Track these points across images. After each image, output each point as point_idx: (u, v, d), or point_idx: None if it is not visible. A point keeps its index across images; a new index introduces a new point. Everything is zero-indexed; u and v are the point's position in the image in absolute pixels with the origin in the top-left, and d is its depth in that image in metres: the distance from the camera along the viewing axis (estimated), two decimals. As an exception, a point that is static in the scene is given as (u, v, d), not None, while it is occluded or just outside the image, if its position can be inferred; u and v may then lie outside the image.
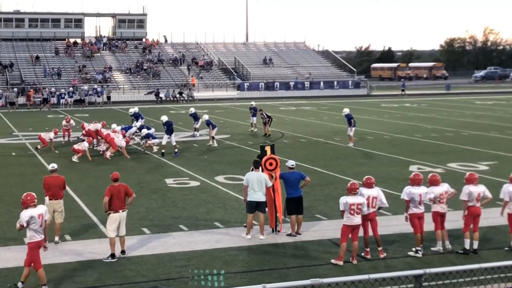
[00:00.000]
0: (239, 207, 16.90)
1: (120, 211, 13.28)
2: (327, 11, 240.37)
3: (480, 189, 13.44)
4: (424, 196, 13.34)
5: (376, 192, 13.29)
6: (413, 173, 14.06)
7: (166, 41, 79.19)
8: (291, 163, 15.18)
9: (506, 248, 13.48)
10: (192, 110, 33.25)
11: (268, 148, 15.59)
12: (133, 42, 78.38)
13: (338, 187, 19.56)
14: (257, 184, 14.49)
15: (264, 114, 33.45)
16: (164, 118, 27.59)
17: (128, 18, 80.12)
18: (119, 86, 65.74)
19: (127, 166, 24.40)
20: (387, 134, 32.97)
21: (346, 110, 30.14)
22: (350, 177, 19.96)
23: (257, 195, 14.52)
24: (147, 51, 75.55)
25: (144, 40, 79.40)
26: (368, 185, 13.29)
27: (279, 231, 14.98)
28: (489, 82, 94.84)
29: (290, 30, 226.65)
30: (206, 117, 30.95)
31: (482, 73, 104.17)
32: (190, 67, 71.52)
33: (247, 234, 14.62)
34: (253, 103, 35.36)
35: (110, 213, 13.25)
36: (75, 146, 26.13)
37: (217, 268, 12.46)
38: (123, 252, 13.39)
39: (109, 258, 13.08)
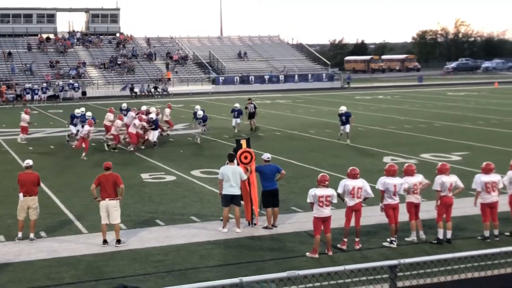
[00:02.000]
0: (215, 201, 16.93)
1: (107, 199, 13.64)
2: (301, 4, 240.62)
3: (452, 179, 13.62)
4: (398, 186, 13.48)
5: (361, 183, 13.38)
6: (388, 164, 14.20)
7: (149, 44, 78.56)
8: (266, 156, 15.25)
9: (479, 238, 13.68)
10: (201, 112, 29.67)
11: (243, 142, 15.64)
12: (106, 37, 77.74)
13: (313, 180, 19.56)
14: (232, 177, 14.54)
15: (253, 104, 33.29)
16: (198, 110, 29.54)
17: (101, 13, 79.46)
18: (93, 82, 65.24)
19: (102, 161, 24.20)
20: (362, 126, 33.15)
21: (344, 108, 28.48)
22: (325, 170, 20.03)
23: (232, 188, 14.56)
24: (121, 46, 75.04)
25: (118, 35, 78.84)
26: (353, 176, 13.39)
27: (255, 224, 15.05)
28: (460, 74, 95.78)
29: (264, 24, 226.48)
30: (200, 113, 29.54)
31: (453, 64, 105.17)
32: (169, 65, 71.02)
33: (223, 227, 14.66)
34: (237, 105, 32.54)
35: (99, 200, 13.73)
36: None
37: (194, 263, 12.50)
38: (118, 241, 13.65)
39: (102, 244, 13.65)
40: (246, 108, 33.26)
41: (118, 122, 27.27)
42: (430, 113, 39.96)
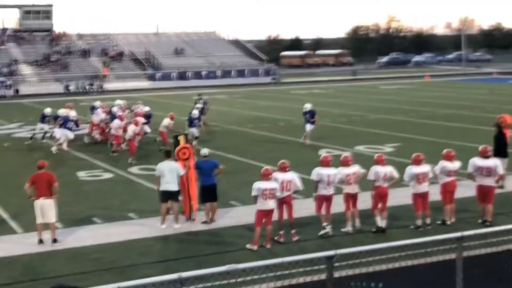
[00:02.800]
0: (153, 197, 16.84)
1: (41, 198, 13.45)
2: (237, 0, 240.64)
3: (386, 170, 13.95)
4: (332, 177, 13.73)
5: (291, 176, 13.54)
6: (322, 155, 14.44)
7: (80, 37, 77.07)
8: (204, 151, 15.29)
9: (412, 227, 14.05)
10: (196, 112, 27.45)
11: (181, 138, 15.65)
12: (40, 33, 76.02)
13: (251, 174, 19.77)
14: (168, 173, 14.54)
15: (203, 100, 32.88)
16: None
17: (34, 9, 77.63)
18: (26, 79, 63.74)
19: (38, 159, 23.73)
20: (297, 120, 33.44)
21: (308, 106, 27.16)
22: (263, 163, 20.17)
23: (169, 185, 14.58)
24: (55, 42, 73.52)
25: (51, 31, 77.19)
26: (283, 169, 13.53)
27: (193, 220, 15.07)
28: (392, 68, 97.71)
29: (200, 20, 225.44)
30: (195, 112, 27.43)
31: (385, 59, 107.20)
32: (107, 63, 69.78)
33: (161, 223, 14.64)
34: (195, 112, 27.44)
35: (34, 199, 13.53)
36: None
37: (133, 260, 12.44)
38: (54, 240, 13.46)
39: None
40: (195, 104, 33.12)
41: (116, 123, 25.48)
42: (364, 106, 40.65)
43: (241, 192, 17.48)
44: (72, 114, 27.51)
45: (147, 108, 28.74)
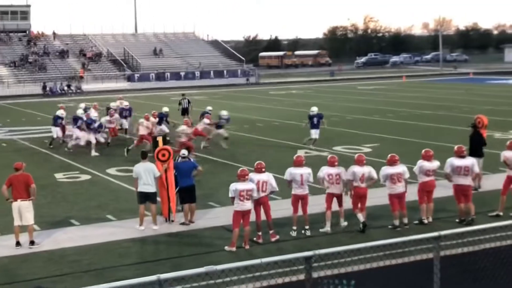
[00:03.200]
0: (132, 199, 16.78)
1: (19, 200, 13.35)
2: (215, 0, 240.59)
3: (365, 170, 14.01)
4: (306, 176, 13.79)
5: (266, 176, 13.56)
6: (296, 155, 14.49)
7: (54, 37, 76.50)
8: (184, 152, 15.29)
9: (390, 227, 14.15)
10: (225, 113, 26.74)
11: (160, 139, 15.64)
12: (17, 34, 75.37)
13: (230, 175, 19.79)
14: (145, 175, 14.53)
15: (187, 99, 32.67)
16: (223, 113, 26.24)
17: (11, 9, 76.86)
18: (3, 81, 63.18)
19: (15, 161, 23.53)
20: (276, 121, 33.59)
21: (315, 109, 25.68)
22: (241, 164, 20.21)
23: (146, 186, 14.56)
24: (32, 43, 72.92)
25: (28, 32, 76.56)
26: (258, 170, 13.55)
27: (172, 221, 15.05)
28: (370, 68, 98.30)
29: (179, 20, 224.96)
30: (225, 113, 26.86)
31: (363, 59, 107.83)
32: (85, 65, 69.31)
33: (140, 225, 14.59)
34: (224, 113, 26.63)
35: (11, 201, 13.43)
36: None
37: (111, 262, 12.39)
38: (31, 243, 13.37)
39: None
40: (179, 104, 33.08)
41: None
42: (342, 107, 40.84)
43: (220, 193, 17.48)
44: (94, 114, 27.29)
45: (126, 103, 29.15)
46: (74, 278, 11.54)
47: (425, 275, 8.17)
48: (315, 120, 25.15)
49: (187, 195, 14.89)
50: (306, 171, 13.89)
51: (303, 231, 13.78)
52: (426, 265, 8.28)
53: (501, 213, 14.87)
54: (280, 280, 8.87)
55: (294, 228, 13.85)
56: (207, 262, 11.48)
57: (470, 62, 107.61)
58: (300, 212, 14.01)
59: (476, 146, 17.71)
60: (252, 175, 13.39)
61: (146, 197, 14.60)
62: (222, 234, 13.96)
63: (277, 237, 13.54)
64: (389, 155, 14.49)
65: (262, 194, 13.43)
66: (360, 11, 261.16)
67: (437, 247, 7.67)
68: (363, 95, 51.29)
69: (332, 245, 12.44)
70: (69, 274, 11.78)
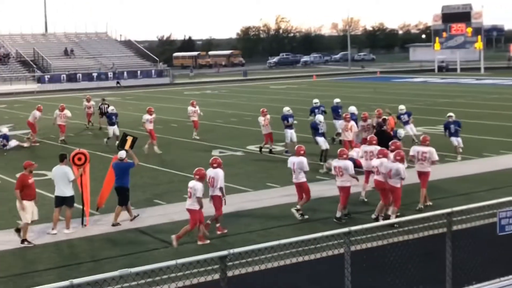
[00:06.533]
0: (43, 203, 16.41)
1: None
2: (128, 0, 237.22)
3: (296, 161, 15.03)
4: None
5: (214, 173, 13.80)
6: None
7: None
8: (121, 154, 15.31)
9: (335, 220, 14.57)
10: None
11: (129, 139, 16.33)
12: None
13: (143, 176, 19.75)
14: (60, 178, 14.32)
15: (107, 104, 32.04)
16: None
17: None
18: None
19: None
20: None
21: (403, 107, 25.17)
22: (156, 165, 20.12)
23: (62, 190, 14.32)
24: None
25: None
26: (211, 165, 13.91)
27: (85, 225, 14.83)
28: (282, 68, 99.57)
29: (91, 20, 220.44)
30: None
31: (275, 59, 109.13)
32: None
33: (53, 229, 14.32)
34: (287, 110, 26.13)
35: None
36: None
37: (23, 268, 12.10)
38: None
39: None
40: (99, 108, 32.46)
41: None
42: (255, 106, 41.04)
43: (134, 195, 17.34)
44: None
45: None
46: (-16, 286, 11.22)
47: (337, 269, 8.42)
48: (405, 116, 24.61)
49: (119, 196, 14.98)
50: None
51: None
52: (336, 260, 8.55)
53: (422, 206, 15.44)
54: (195, 280, 8.96)
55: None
56: (120, 266, 11.44)
57: (377, 61, 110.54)
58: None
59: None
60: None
61: (62, 201, 14.37)
62: (134, 237, 13.88)
63: (225, 231, 13.95)
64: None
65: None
66: (272, 12, 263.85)
67: (348, 242, 7.93)
68: (275, 94, 51.88)
69: (246, 244, 12.60)
70: (-23, 282, 11.44)
